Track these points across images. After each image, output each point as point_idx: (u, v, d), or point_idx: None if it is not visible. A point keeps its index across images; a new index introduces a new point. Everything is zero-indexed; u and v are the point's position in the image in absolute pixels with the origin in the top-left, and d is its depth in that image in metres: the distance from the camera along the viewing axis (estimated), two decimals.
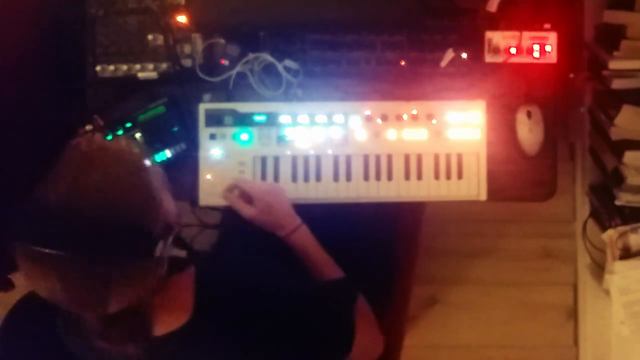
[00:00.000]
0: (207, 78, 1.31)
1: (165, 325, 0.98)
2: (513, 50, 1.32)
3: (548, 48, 1.32)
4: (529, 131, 1.33)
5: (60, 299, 0.87)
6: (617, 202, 1.67)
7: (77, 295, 0.86)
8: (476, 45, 1.33)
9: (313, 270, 1.25)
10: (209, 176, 1.30)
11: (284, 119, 1.31)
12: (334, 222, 1.28)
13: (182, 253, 0.92)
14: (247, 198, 1.25)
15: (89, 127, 1.28)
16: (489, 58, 1.34)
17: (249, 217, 1.24)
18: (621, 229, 1.66)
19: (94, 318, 0.92)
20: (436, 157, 1.32)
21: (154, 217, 0.89)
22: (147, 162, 0.93)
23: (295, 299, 1.06)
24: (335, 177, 1.32)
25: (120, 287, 0.87)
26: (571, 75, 1.77)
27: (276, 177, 1.32)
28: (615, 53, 1.57)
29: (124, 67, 1.32)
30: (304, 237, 1.25)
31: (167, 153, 1.30)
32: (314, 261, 1.24)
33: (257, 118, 1.31)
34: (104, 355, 0.98)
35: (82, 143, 0.91)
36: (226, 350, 1.01)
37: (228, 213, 1.51)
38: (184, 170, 1.32)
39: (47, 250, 0.82)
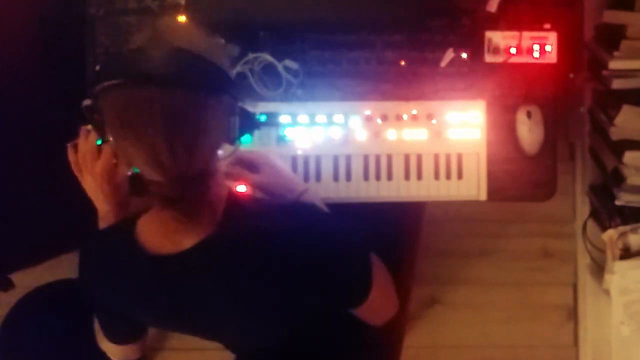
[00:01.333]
0: None
1: (194, 236, 1.00)
2: (513, 50, 1.32)
3: (548, 48, 1.33)
4: (529, 131, 1.33)
5: (153, 142, 0.89)
6: (617, 202, 1.67)
7: (175, 132, 0.89)
8: (476, 45, 1.33)
9: None
10: None
11: (284, 119, 1.31)
12: None
13: (253, 107, 0.99)
14: (251, 166, 1.25)
15: (89, 127, 1.27)
16: (489, 58, 1.34)
17: (259, 185, 1.23)
18: (621, 229, 1.66)
19: (172, 182, 0.93)
20: (436, 157, 1.32)
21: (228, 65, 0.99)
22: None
23: (318, 236, 1.06)
24: (335, 177, 1.32)
25: (208, 125, 0.92)
26: (571, 75, 1.77)
27: None
28: (615, 53, 1.57)
29: None
30: (314, 198, 1.24)
31: None
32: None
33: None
34: (125, 270, 1.07)
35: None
36: (242, 274, 1.02)
37: None
38: None
39: (159, 88, 0.87)
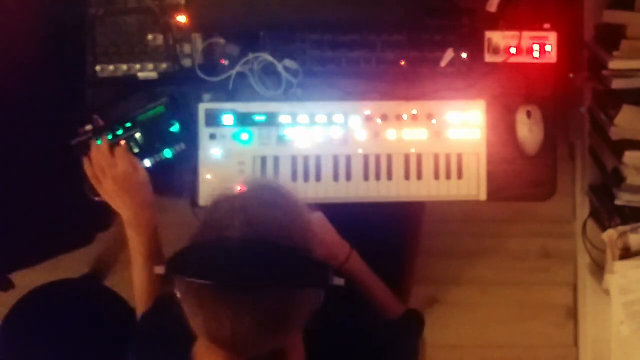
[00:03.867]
0: (207, 78, 1.31)
1: None
2: (513, 50, 1.32)
3: (548, 48, 1.33)
4: (529, 131, 1.33)
5: (243, 335, 0.82)
6: (617, 202, 1.67)
7: (259, 330, 0.82)
8: (476, 45, 1.33)
9: (370, 296, 1.24)
10: (209, 176, 1.30)
11: (284, 119, 1.31)
12: (334, 222, 1.28)
13: (341, 281, 0.89)
14: None
15: (89, 127, 1.28)
16: (489, 58, 1.34)
17: None
18: (621, 229, 1.66)
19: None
20: (436, 157, 1.32)
21: (313, 248, 0.90)
22: (298, 197, 0.94)
23: (377, 344, 1.05)
24: (335, 177, 1.32)
25: (295, 319, 0.85)
26: (571, 75, 1.77)
27: (276, 177, 1.31)
28: (615, 53, 1.57)
29: (124, 67, 1.32)
30: (357, 265, 1.23)
31: (167, 153, 1.30)
32: (370, 287, 1.23)
33: (257, 118, 1.31)
34: None
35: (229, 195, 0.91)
36: None
37: None
38: (184, 170, 1.32)
39: (245, 290, 0.80)
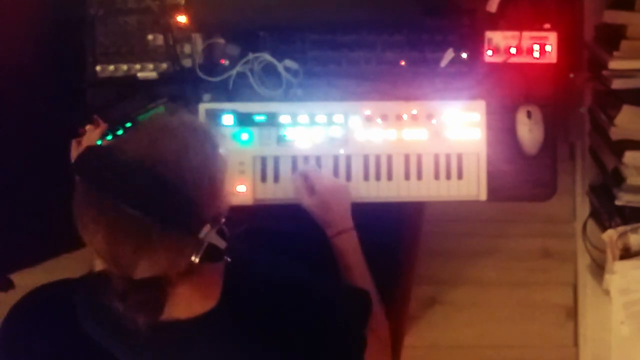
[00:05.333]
0: (207, 78, 1.31)
1: (189, 309, 0.99)
2: (513, 50, 1.32)
3: (548, 48, 1.33)
4: (529, 131, 1.33)
5: (99, 248, 0.89)
6: (617, 202, 1.67)
7: (117, 247, 0.88)
8: (476, 45, 1.33)
9: (345, 276, 1.24)
10: None
11: (284, 119, 1.31)
12: None
13: (222, 243, 0.92)
14: (311, 187, 1.26)
15: (89, 127, 1.28)
16: (489, 58, 1.34)
17: (305, 206, 1.26)
18: (621, 229, 1.66)
19: (120, 278, 0.93)
20: (436, 157, 1.32)
21: (211, 200, 0.92)
22: (220, 148, 0.97)
23: (313, 302, 1.07)
24: (335, 177, 1.32)
25: (155, 253, 0.88)
26: (571, 75, 1.77)
27: (276, 177, 1.32)
28: (615, 53, 1.57)
29: (124, 67, 1.32)
30: (348, 242, 1.24)
31: None
32: (349, 270, 1.24)
33: (257, 118, 1.31)
34: (118, 330, 1.00)
35: (166, 114, 0.96)
36: (243, 343, 1.02)
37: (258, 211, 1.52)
38: None
39: (110, 199, 0.86)
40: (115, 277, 0.93)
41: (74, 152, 1.24)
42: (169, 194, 0.87)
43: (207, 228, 0.90)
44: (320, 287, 1.12)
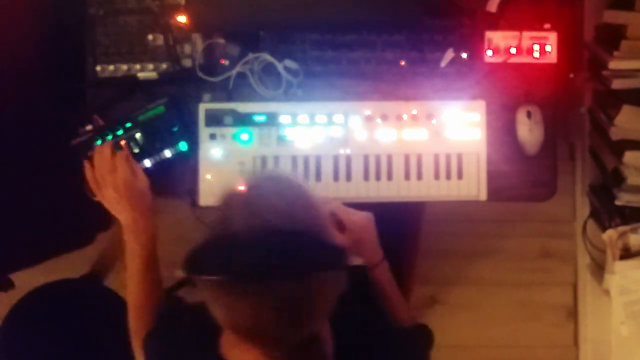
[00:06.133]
0: (207, 78, 1.31)
1: None
2: (513, 50, 1.32)
3: (548, 48, 1.32)
4: (529, 131, 1.33)
5: (265, 325, 0.83)
6: (617, 202, 1.67)
7: (282, 321, 0.82)
8: (476, 45, 1.33)
9: (386, 307, 1.24)
10: (209, 176, 1.30)
11: (284, 119, 1.31)
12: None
13: (359, 260, 0.89)
14: (340, 224, 1.20)
15: (89, 127, 1.28)
16: (489, 58, 1.34)
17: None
18: (621, 229, 1.66)
19: (278, 352, 0.87)
20: (436, 157, 1.32)
21: (329, 229, 0.90)
22: (304, 185, 0.94)
23: (387, 348, 1.05)
24: (335, 177, 1.32)
25: (318, 304, 0.85)
26: (571, 75, 1.77)
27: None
28: (615, 53, 1.57)
29: (124, 67, 1.32)
30: (384, 274, 1.23)
31: (167, 153, 1.30)
32: (389, 298, 1.23)
33: (257, 118, 1.31)
34: None
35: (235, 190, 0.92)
36: None
37: None
38: (184, 170, 1.32)
39: (255, 280, 0.80)
40: (269, 354, 0.87)
41: (89, 174, 1.21)
42: (312, 243, 0.85)
43: (346, 252, 0.87)
44: (399, 342, 1.10)
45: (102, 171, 1.19)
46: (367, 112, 1.32)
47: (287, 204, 0.87)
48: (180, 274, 0.84)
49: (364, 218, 1.21)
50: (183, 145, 1.30)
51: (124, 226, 1.20)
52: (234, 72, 1.31)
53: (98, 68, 1.32)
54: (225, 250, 0.83)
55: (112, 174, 1.18)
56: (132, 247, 1.20)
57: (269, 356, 0.86)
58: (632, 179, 1.62)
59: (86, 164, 1.21)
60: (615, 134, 1.61)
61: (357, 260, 0.89)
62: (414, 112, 1.32)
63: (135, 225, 1.19)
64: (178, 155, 1.30)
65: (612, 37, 1.60)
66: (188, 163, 1.31)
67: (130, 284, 1.23)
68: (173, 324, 1.10)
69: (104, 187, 1.19)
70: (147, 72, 1.32)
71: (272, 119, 1.31)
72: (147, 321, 1.20)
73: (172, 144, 1.30)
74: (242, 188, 0.92)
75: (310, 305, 0.84)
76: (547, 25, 1.33)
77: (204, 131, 1.30)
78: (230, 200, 0.90)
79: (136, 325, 1.21)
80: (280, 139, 1.31)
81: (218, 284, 0.82)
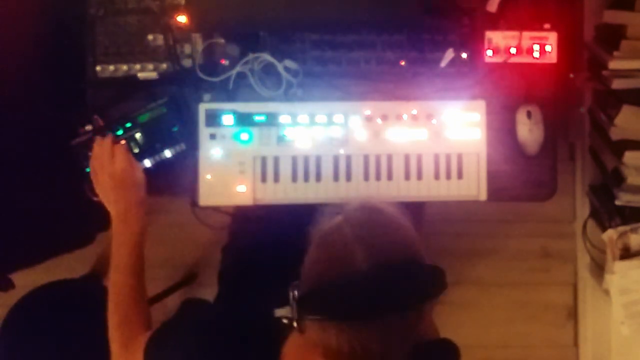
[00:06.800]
0: (207, 78, 1.31)
1: None
2: (513, 50, 1.32)
3: (548, 48, 1.33)
4: (529, 131, 1.33)
5: (389, 354, 0.86)
6: (617, 202, 1.67)
7: (391, 348, 0.86)
8: (476, 45, 1.33)
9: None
10: (209, 176, 1.30)
11: (284, 119, 1.31)
12: None
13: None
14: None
15: (89, 127, 1.28)
16: (489, 58, 1.34)
17: None
18: (621, 229, 1.66)
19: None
20: (436, 157, 1.32)
21: (423, 250, 0.92)
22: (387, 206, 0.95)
23: None
24: (335, 177, 1.32)
25: (427, 322, 0.90)
26: (571, 75, 1.77)
27: (276, 177, 1.32)
28: (615, 53, 1.57)
29: (124, 67, 1.32)
30: None
31: (167, 153, 1.30)
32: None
33: (257, 118, 1.31)
34: None
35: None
36: None
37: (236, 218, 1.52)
38: (184, 170, 1.32)
39: (378, 316, 0.83)
40: None
41: (90, 163, 1.25)
42: (413, 274, 0.87)
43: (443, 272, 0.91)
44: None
45: (102, 158, 1.22)
46: (367, 112, 1.32)
47: (395, 234, 0.90)
48: (283, 312, 0.88)
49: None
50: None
51: (115, 216, 1.22)
52: (234, 72, 1.31)
53: (98, 68, 1.32)
54: (351, 290, 0.85)
55: (111, 162, 1.21)
56: (121, 238, 1.22)
57: None
58: (632, 179, 1.62)
59: (91, 172, 1.24)
60: (615, 134, 1.61)
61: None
62: (414, 112, 1.32)
63: (126, 215, 1.21)
64: (178, 155, 1.30)
65: (612, 37, 1.60)
66: (188, 163, 1.31)
67: (113, 274, 1.23)
68: (191, 324, 1.10)
69: (101, 175, 1.22)
70: (147, 72, 1.32)
71: (272, 119, 1.31)
72: (133, 318, 1.20)
73: (172, 144, 1.30)
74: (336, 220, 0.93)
75: (418, 328, 0.88)
76: (547, 25, 1.33)
77: (204, 131, 1.30)
78: (335, 236, 0.90)
79: (117, 321, 1.21)
80: (280, 139, 1.31)
81: (342, 324, 0.84)
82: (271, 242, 1.33)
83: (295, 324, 0.88)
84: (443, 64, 1.34)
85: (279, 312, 0.90)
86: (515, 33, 1.32)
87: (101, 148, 1.24)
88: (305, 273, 0.90)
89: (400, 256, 0.88)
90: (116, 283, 1.23)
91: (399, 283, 0.85)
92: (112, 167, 1.21)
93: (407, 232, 0.92)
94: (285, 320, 0.90)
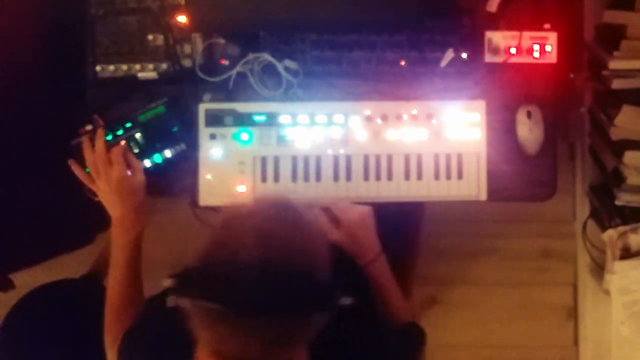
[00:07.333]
0: (207, 78, 1.31)
1: None
2: (513, 50, 1.32)
3: (548, 48, 1.32)
4: (529, 131, 1.33)
5: (251, 354, 0.83)
6: (617, 202, 1.67)
7: (268, 351, 0.83)
8: (476, 45, 1.33)
9: (383, 302, 1.23)
10: (209, 176, 1.30)
11: (284, 119, 1.31)
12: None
13: (347, 300, 0.88)
14: (335, 219, 1.22)
15: (89, 127, 1.28)
16: (489, 58, 1.34)
17: (333, 241, 1.20)
18: (621, 229, 1.66)
19: None
20: (436, 157, 1.32)
21: (326, 267, 0.89)
22: (306, 217, 0.92)
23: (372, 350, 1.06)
24: (335, 177, 1.32)
25: (305, 334, 0.86)
26: (571, 75, 1.77)
27: (276, 177, 1.32)
28: (615, 53, 1.57)
29: (124, 67, 1.32)
30: (381, 268, 1.23)
31: (167, 153, 1.30)
32: (386, 293, 1.23)
33: (257, 118, 1.31)
34: None
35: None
36: None
37: None
38: (184, 170, 1.32)
39: (252, 316, 0.80)
40: None
41: (78, 171, 1.24)
42: (304, 279, 0.84)
43: (338, 292, 0.86)
44: (387, 343, 1.11)
45: (97, 164, 1.21)
46: (367, 112, 1.32)
47: (295, 238, 0.86)
48: (167, 283, 0.83)
49: (359, 213, 1.22)
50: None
51: (114, 219, 1.22)
52: (234, 72, 1.31)
53: (98, 68, 1.32)
54: (226, 280, 0.81)
55: (107, 169, 1.20)
56: (118, 242, 1.22)
57: None
58: (632, 179, 1.62)
59: (73, 164, 1.23)
60: (615, 134, 1.61)
61: (345, 301, 0.87)
62: (414, 112, 1.32)
63: (124, 221, 1.21)
64: (178, 155, 1.30)
65: (612, 37, 1.60)
66: (188, 163, 1.31)
67: (111, 277, 1.24)
68: (154, 326, 1.10)
69: (98, 181, 1.22)
70: (147, 72, 1.32)
71: (272, 119, 1.31)
72: (124, 318, 1.21)
73: (172, 144, 1.30)
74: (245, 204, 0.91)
75: (294, 338, 0.85)
76: (547, 25, 1.33)
77: (204, 131, 1.30)
78: (236, 221, 0.88)
79: (110, 320, 1.22)
80: (280, 139, 1.31)
81: (213, 311, 0.81)
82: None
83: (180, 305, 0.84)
84: (443, 64, 1.34)
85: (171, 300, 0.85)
86: (515, 33, 1.32)
87: (95, 157, 1.21)
88: (198, 250, 0.87)
89: (292, 262, 0.83)
90: (111, 284, 1.24)
91: (280, 286, 0.81)
92: (107, 174, 1.20)
93: (314, 244, 0.88)
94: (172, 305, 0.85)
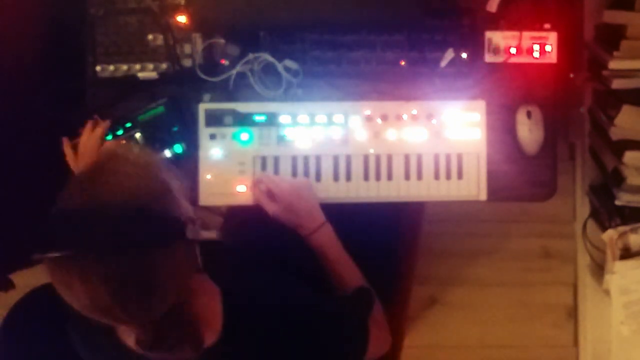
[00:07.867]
0: (207, 78, 1.31)
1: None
2: (513, 50, 1.32)
3: (548, 48, 1.33)
4: (529, 131, 1.33)
5: (105, 307, 0.84)
6: (617, 202, 1.67)
7: (123, 297, 0.84)
8: (476, 45, 1.33)
9: (331, 272, 1.25)
10: (209, 176, 1.30)
11: (284, 119, 1.31)
12: (334, 222, 1.28)
13: (212, 234, 0.91)
14: (270, 193, 1.26)
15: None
16: (489, 58, 1.34)
17: (271, 214, 1.25)
18: (621, 229, 1.66)
19: (142, 327, 0.89)
20: (436, 157, 1.32)
21: (174, 204, 0.91)
22: (152, 158, 0.96)
23: (313, 319, 1.07)
24: (335, 177, 1.32)
25: (161, 278, 0.86)
26: (571, 75, 1.77)
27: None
28: (615, 53, 1.57)
29: (124, 67, 1.32)
30: (324, 238, 1.25)
31: (167, 153, 1.30)
32: (332, 264, 1.25)
33: (257, 118, 1.31)
34: None
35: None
36: None
37: (230, 217, 1.52)
38: (184, 170, 1.31)
39: (80, 256, 0.82)
40: (136, 330, 0.90)
41: (68, 150, 1.25)
42: (135, 220, 0.85)
43: (190, 226, 0.89)
44: (322, 304, 1.12)
45: (87, 146, 1.22)
46: (367, 112, 1.32)
47: (125, 183, 0.88)
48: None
49: (292, 183, 1.26)
50: (178, 148, 1.30)
51: None
52: (234, 72, 1.31)
53: (98, 68, 1.32)
54: (55, 227, 0.84)
55: (93, 155, 1.21)
56: None
57: (135, 333, 0.89)
58: (632, 179, 1.62)
59: (65, 143, 1.25)
60: (615, 134, 1.61)
61: (208, 235, 0.91)
62: (414, 112, 1.32)
63: None
64: (177, 156, 1.30)
65: (612, 37, 1.60)
66: (188, 163, 1.31)
67: None
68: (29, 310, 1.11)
69: (81, 161, 1.23)
70: (147, 72, 1.32)
71: (272, 119, 1.31)
72: None
73: (172, 144, 1.30)
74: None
75: (151, 282, 0.85)
76: (547, 25, 1.33)
77: (204, 131, 1.30)
78: (73, 178, 0.92)
79: None
80: (280, 139, 1.31)
81: (50, 261, 0.83)
82: (264, 242, 1.33)
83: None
84: (443, 64, 1.34)
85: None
86: (515, 33, 1.32)
87: (89, 138, 1.23)
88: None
89: (121, 202, 0.85)
90: None
91: (108, 226, 0.82)
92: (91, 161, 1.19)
93: (149, 187, 0.90)
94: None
